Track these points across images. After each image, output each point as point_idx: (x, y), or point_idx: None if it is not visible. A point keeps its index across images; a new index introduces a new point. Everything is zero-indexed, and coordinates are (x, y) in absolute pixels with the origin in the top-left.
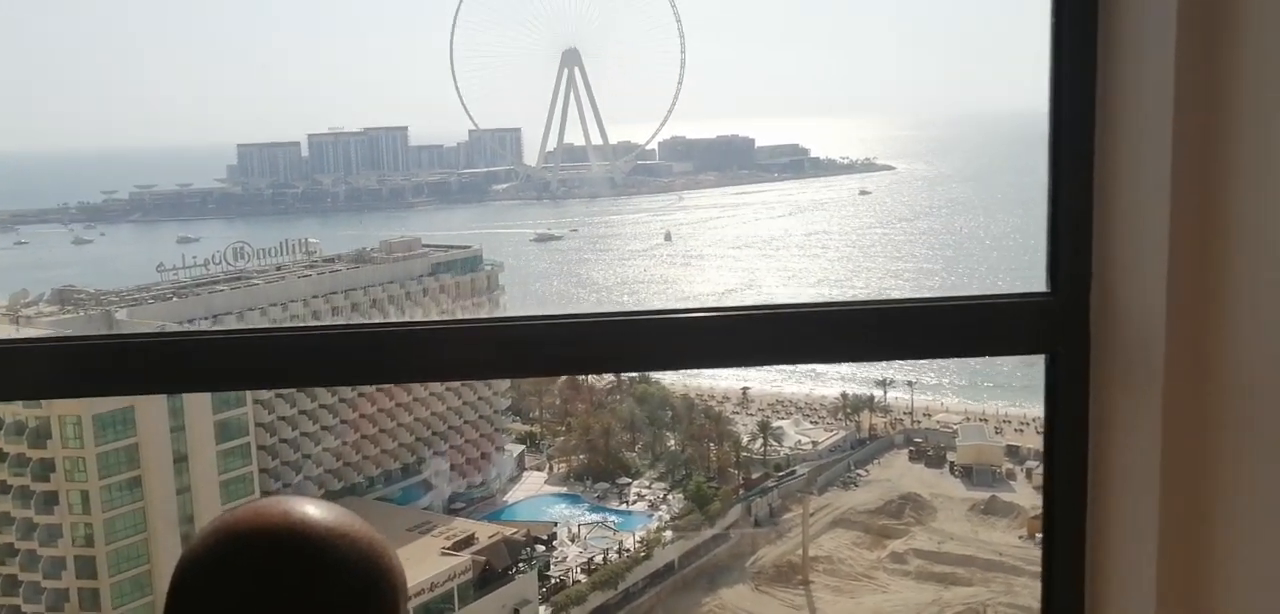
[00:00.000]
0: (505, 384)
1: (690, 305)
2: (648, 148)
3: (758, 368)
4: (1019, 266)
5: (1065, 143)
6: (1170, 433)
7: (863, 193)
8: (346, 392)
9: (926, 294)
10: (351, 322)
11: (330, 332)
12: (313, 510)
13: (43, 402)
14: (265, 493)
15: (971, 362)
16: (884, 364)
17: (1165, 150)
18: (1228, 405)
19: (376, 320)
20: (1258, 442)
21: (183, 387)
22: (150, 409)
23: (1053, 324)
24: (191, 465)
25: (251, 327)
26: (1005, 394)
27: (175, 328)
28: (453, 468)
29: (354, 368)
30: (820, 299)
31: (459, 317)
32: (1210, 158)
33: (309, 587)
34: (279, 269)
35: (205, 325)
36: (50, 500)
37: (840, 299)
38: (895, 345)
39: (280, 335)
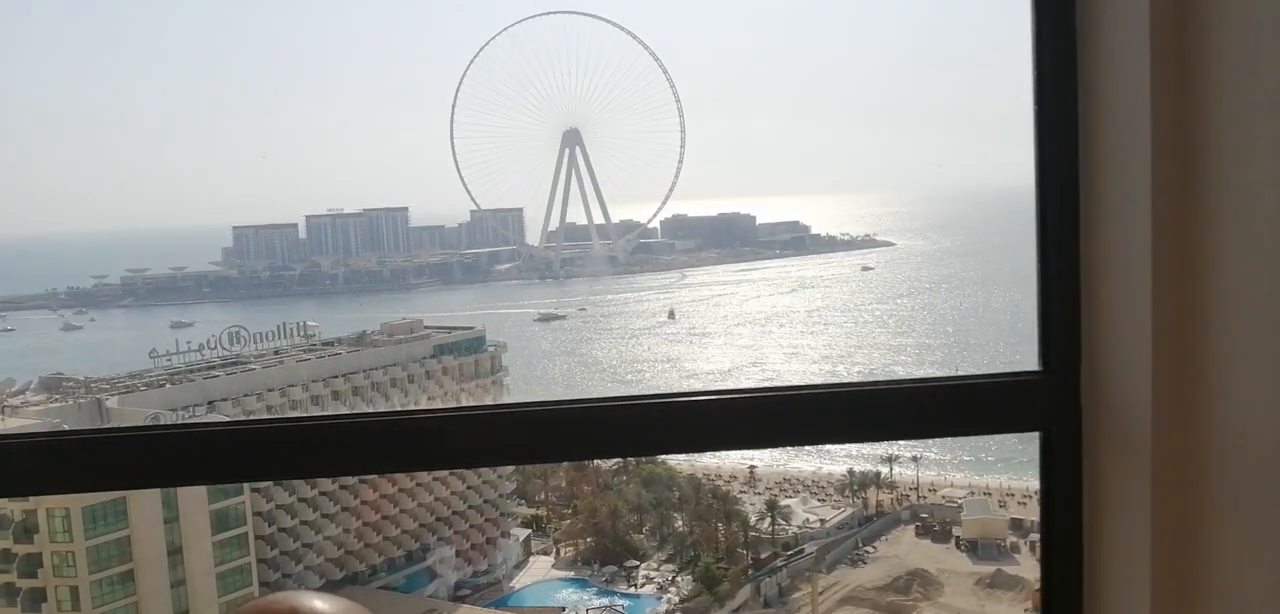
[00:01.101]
0: (510, 467)
1: (694, 389)
2: (650, 226)
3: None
4: (1018, 341)
5: (1052, 230)
6: (1159, 505)
7: (865, 269)
8: (348, 478)
9: (927, 370)
10: (352, 411)
11: (328, 422)
12: (320, 605)
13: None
14: (264, 584)
15: (976, 437)
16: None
17: (1146, 235)
18: (1214, 477)
19: (378, 409)
20: (1244, 513)
21: (179, 481)
22: (142, 500)
23: (1045, 403)
24: (186, 558)
25: (250, 418)
26: (1009, 468)
27: (170, 421)
28: (457, 554)
29: (357, 458)
30: (819, 381)
31: (464, 403)
32: (1189, 240)
33: None
34: (277, 353)
35: (200, 412)
36: (37, 598)
37: (839, 382)
38: (893, 426)
39: (279, 426)
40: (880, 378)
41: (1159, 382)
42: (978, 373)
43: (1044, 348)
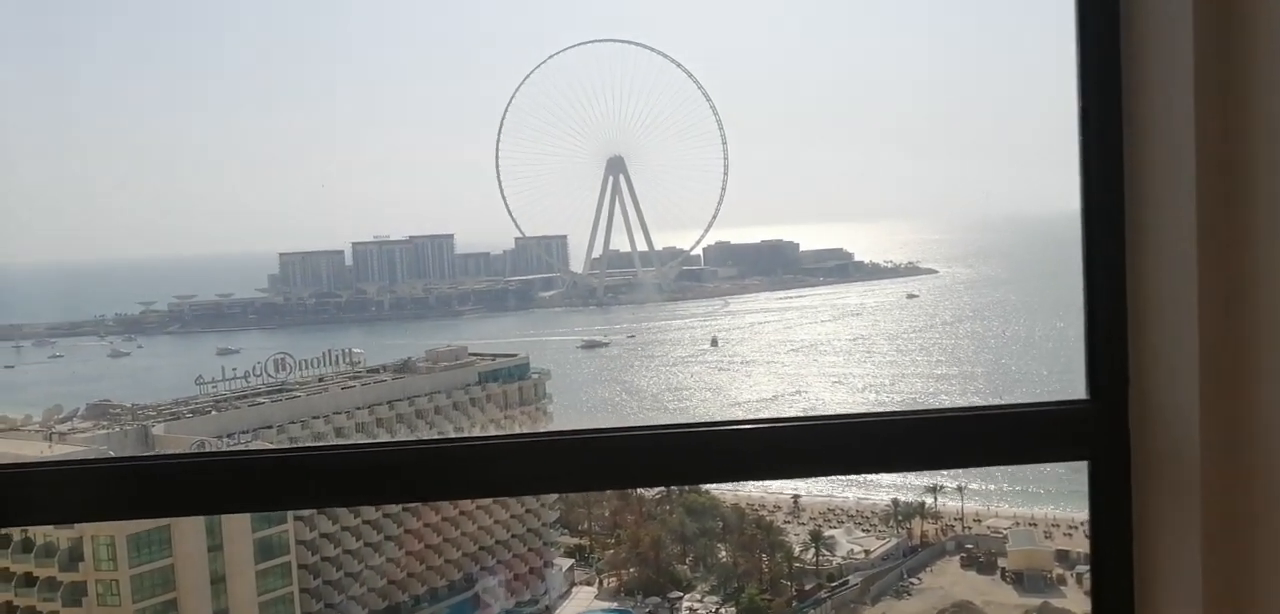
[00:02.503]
0: (553, 496)
1: (738, 418)
2: (693, 254)
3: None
4: (1063, 369)
5: (1098, 256)
6: (1210, 532)
7: (910, 296)
8: (391, 507)
9: (971, 399)
10: (396, 439)
11: (374, 450)
12: None
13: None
14: None
15: (1021, 466)
16: (933, 471)
17: (1192, 260)
18: (1265, 503)
19: (422, 437)
20: None
21: (225, 508)
22: (187, 528)
23: (1092, 430)
24: (230, 587)
25: (296, 446)
26: (1054, 498)
27: (217, 448)
28: (501, 584)
29: (403, 484)
30: (864, 410)
31: (507, 431)
32: (1235, 265)
33: None
34: (321, 380)
35: (245, 439)
36: None
37: (883, 410)
38: (938, 455)
39: (324, 454)
40: (926, 407)
41: (1207, 407)
42: (1024, 401)
43: (1091, 375)
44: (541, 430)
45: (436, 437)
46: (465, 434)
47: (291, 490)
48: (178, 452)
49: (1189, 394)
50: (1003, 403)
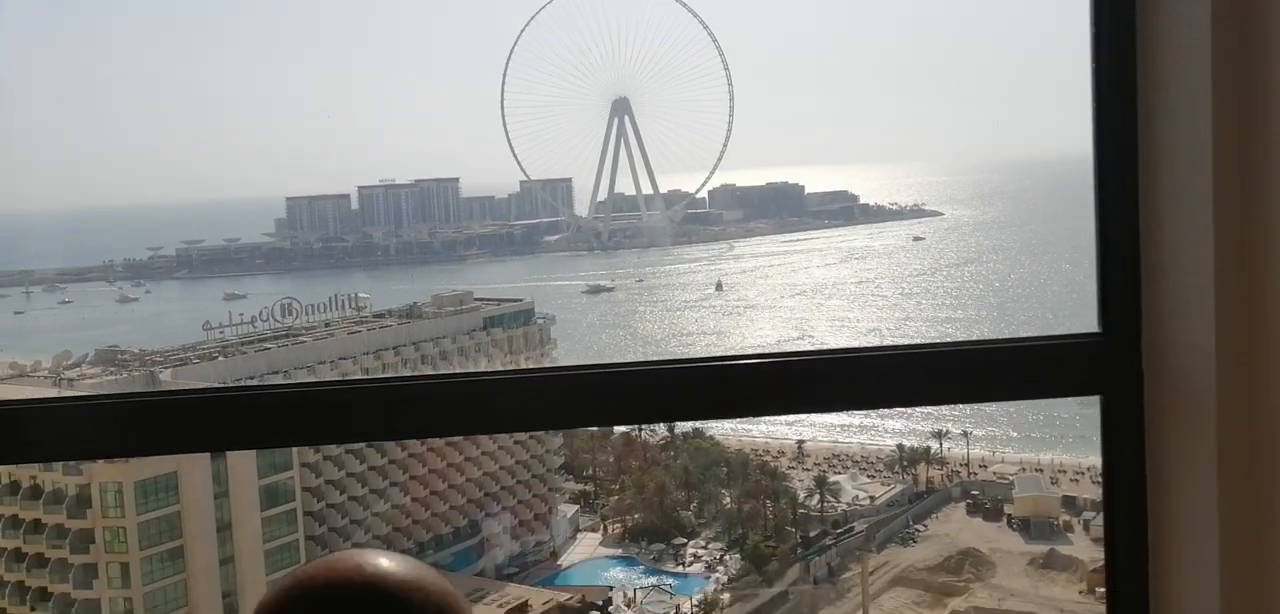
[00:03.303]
0: (558, 441)
1: (742, 352)
2: (698, 196)
3: (811, 415)
4: (1069, 312)
5: (1110, 188)
6: (1226, 468)
7: (917, 239)
8: (396, 453)
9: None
10: (398, 375)
11: (376, 385)
12: (386, 563)
13: (83, 468)
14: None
15: (1027, 411)
16: (938, 416)
17: (1207, 189)
18: None
19: (425, 373)
20: None
21: (232, 444)
22: (193, 475)
23: (1105, 365)
24: (235, 533)
25: (302, 383)
26: (1061, 444)
27: (225, 384)
28: (505, 531)
29: (405, 421)
30: (872, 344)
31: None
32: (1253, 194)
33: None
34: (328, 325)
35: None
36: (89, 574)
37: (890, 344)
38: (948, 390)
39: (327, 389)
40: (937, 340)
41: (1223, 341)
42: (1036, 336)
43: (1103, 309)
44: (545, 366)
45: (439, 372)
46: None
47: (296, 426)
48: (184, 387)
49: (1204, 328)
50: (1014, 337)
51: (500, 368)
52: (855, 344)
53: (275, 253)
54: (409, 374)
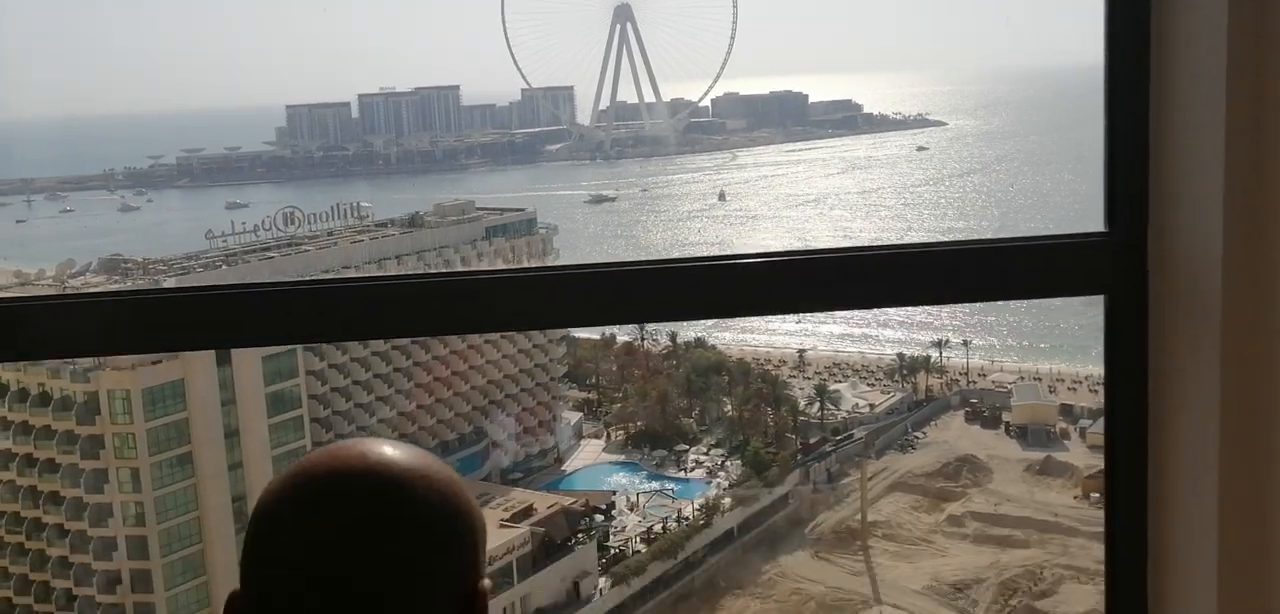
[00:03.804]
0: (562, 351)
1: (746, 253)
2: (701, 105)
3: (813, 325)
4: (1072, 223)
5: (1120, 82)
6: (1229, 368)
7: (920, 148)
8: (400, 360)
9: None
10: (401, 273)
11: (380, 283)
12: (391, 451)
13: (91, 375)
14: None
15: (1026, 320)
16: (938, 325)
17: (1220, 87)
18: None
19: (428, 271)
20: None
21: (235, 341)
22: (200, 381)
23: (1110, 264)
24: (243, 440)
25: (304, 280)
26: (1060, 353)
27: (229, 282)
28: (510, 437)
29: (408, 320)
30: (875, 242)
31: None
32: (1266, 93)
33: (389, 527)
34: (330, 234)
35: None
36: (100, 479)
37: (893, 242)
38: (953, 289)
39: (330, 286)
40: (942, 239)
41: (1231, 241)
42: (1040, 234)
43: (1109, 207)
44: (546, 264)
45: (441, 271)
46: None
47: (298, 323)
48: (185, 285)
49: (1211, 228)
50: (1020, 236)
51: (501, 267)
52: None
53: (276, 161)
54: (408, 272)
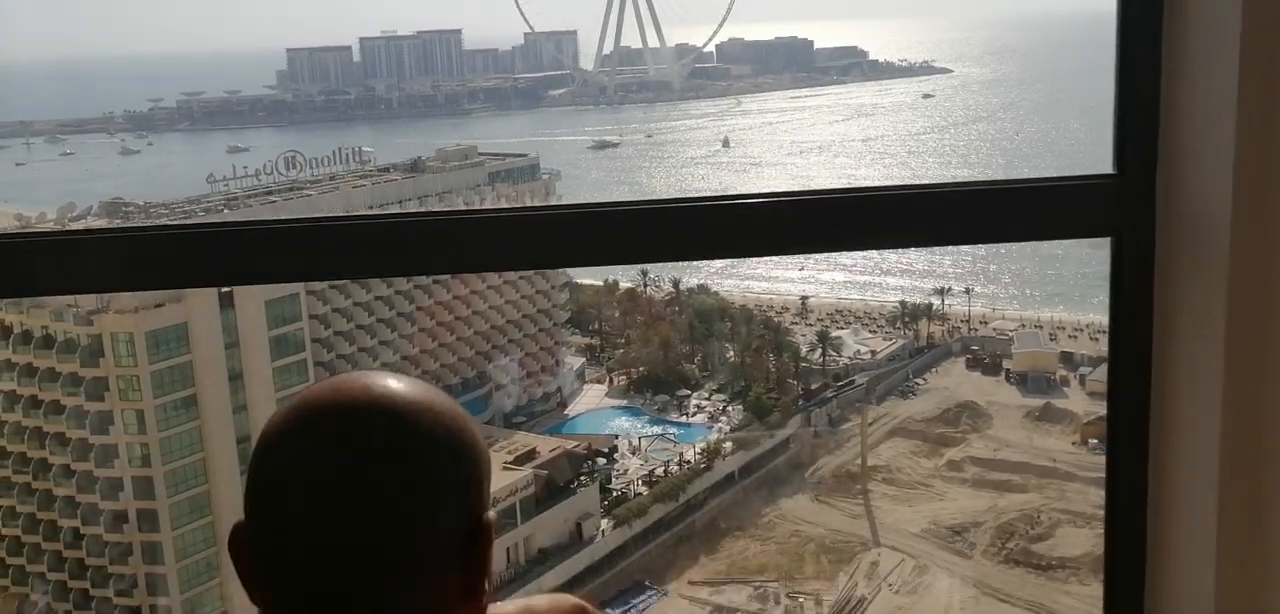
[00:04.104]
0: (565, 297)
1: (751, 193)
2: (706, 50)
3: (816, 272)
4: (1079, 170)
5: (1133, 24)
6: (1234, 314)
7: (926, 96)
8: (402, 305)
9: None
10: (403, 212)
11: (382, 221)
12: (394, 384)
13: (94, 318)
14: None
15: (1028, 268)
16: (941, 273)
17: (1234, 31)
18: None
19: (429, 210)
20: None
21: (238, 279)
22: (203, 325)
23: (1118, 206)
24: (247, 383)
25: (307, 217)
26: (1062, 302)
27: (232, 218)
28: (512, 382)
29: (410, 258)
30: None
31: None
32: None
33: (393, 460)
34: (332, 179)
35: None
36: (105, 420)
37: (899, 183)
38: (960, 230)
39: (333, 224)
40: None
41: (1240, 186)
42: (1049, 176)
43: (1119, 149)
44: (548, 204)
45: (443, 210)
46: (473, 207)
47: (301, 260)
48: (186, 221)
49: (1221, 172)
50: (1027, 178)
51: (504, 206)
52: None
53: (277, 105)
54: (409, 211)
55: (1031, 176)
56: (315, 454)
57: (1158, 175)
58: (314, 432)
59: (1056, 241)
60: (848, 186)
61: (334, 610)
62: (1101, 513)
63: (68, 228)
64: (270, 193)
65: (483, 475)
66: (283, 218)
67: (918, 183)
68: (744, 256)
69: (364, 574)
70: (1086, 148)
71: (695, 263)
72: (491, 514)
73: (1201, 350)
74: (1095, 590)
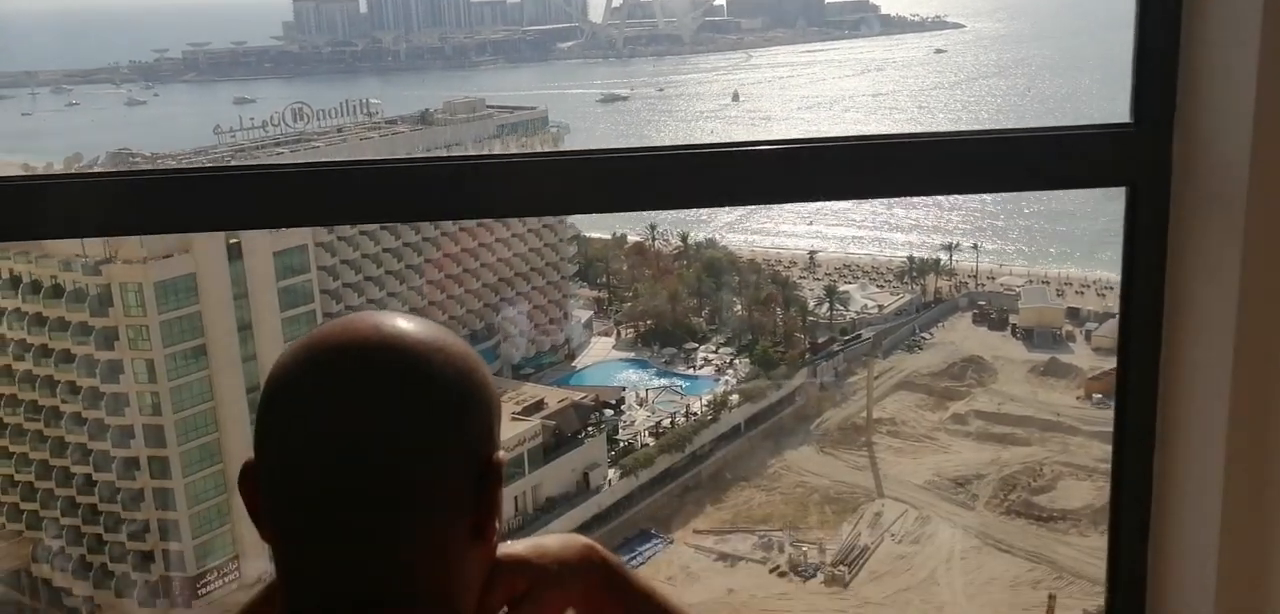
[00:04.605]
0: (573, 250)
1: (758, 140)
2: (716, 3)
3: (825, 217)
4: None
5: None
6: (1249, 267)
7: (938, 51)
8: (412, 257)
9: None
10: (412, 157)
11: (391, 167)
12: (404, 323)
13: (103, 268)
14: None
15: (1036, 224)
16: (949, 229)
17: None
18: None
19: (439, 154)
20: None
21: (246, 223)
22: (212, 275)
23: (1134, 156)
24: (256, 333)
25: (316, 162)
26: (1070, 259)
27: (242, 164)
28: (520, 334)
29: (420, 203)
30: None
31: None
32: None
33: (403, 399)
34: (339, 130)
35: None
36: (115, 369)
37: (913, 131)
38: (974, 178)
39: (342, 169)
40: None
41: (1260, 137)
42: (1064, 124)
43: (1137, 98)
44: (558, 150)
45: (450, 153)
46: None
47: (310, 206)
48: (195, 165)
49: (1241, 123)
50: (1043, 126)
51: (515, 152)
52: None
53: (284, 56)
54: (418, 155)
55: (1051, 124)
56: (325, 393)
57: (1176, 126)
58: (325, 370)
59: (1065, 198)
60: (862, 134)
61: (343, 549)
62: (1103, 466)
63: (71, 171)
64: (278, 144)
65: (493, 416)
66: (291, 163)
67: (932, 130)
68: (759, 204)
69: (373, 513)
70: (1099, 104)
71: (704, 218)
72: (502, 454)
73: (1215, 300)
74: (1094, 542)
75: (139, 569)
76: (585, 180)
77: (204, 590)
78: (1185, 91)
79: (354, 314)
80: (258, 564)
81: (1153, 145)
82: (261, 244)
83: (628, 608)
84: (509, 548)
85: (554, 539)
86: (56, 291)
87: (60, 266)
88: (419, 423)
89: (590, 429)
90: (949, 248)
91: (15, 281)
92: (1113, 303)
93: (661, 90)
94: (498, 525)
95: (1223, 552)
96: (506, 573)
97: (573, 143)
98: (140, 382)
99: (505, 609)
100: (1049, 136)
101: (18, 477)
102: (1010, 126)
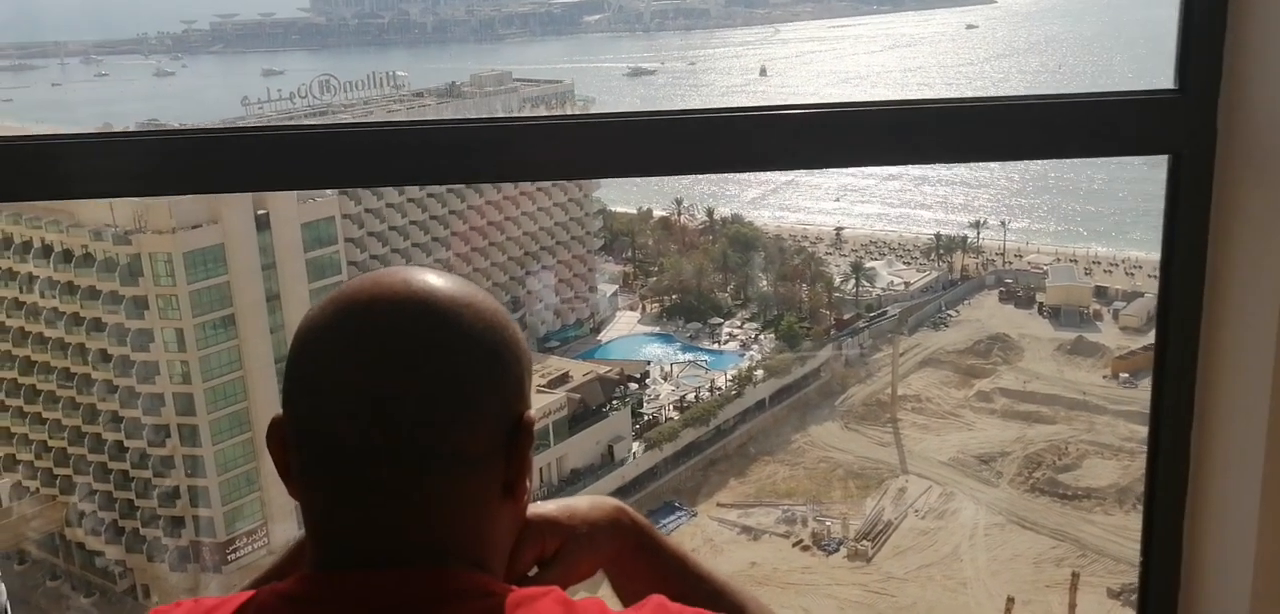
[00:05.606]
0: (599, 224)
1: (790, 103)
2: None
3: (851, 194)
4: None
5: None
6: None
7: (970, 27)
8: (439, 230)
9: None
10: (439, 118)
11: (418, 127)
12: (434, 279)
13: (132, 237)
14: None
15: (1064, 202)
16: (976, 207)
17: None
18: None
19: (463, 117)
20: None
21: (273, 184)
22: (240, 246)
23: (1179, 123)
24: (284, 303)
25: (343, 123)
26: (1099, 238)
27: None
28: (546, 307)
29: (444, 165)
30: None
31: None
32: None
33: (434, 352)
34: (366, 103)
35: None
36: (146, 338)
37: (950, 96)
38: (1013, 145)
39: (369, 131)
40: (1007, 94)
41: None
42: (1108, 90)
43: (1181, 65)
44: (576, 113)
45: (478, 117)
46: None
47: (336, 167)
48: (221, 126)
49: None
50: (1084, 93)
51: (540, 114)
52: None
53: (310, 28)
54: (445, 117)
55: (1094, 91)
56: (355, 348)
57: (1221, 93)
58: (354, 325)
59: (1094, 176)
60: (896, 99)
61: (373, 506)
62: (1129, 446)
63: (101, 130)
64: (304, 117)
65: (523, 373)
66: (316, 123)
67: (971, 95)
68: (790, 169)
69: (404, 470)
70: (1132, 82)
71: (731, 192)
72: (532, 412)
73: (1259, 273)
74: (1119, 520)
75: (170, 534)
76: (618, 143)
77: (233, 556)
78: (1232, 57)
79: (384, 269)
80: (287, 528)
81: (1198, 113)
82: (289, 214)
83: (658, 571)
84: (539, 508)
85: (584, 500)
86: (87, 260)
87: (91, 236)
88: (450, 379)
89: (615, 402)
90: (976, 225)
91: (47, 250)
92: (1142, 282)
93: (693, 65)
94: (528, 484)
95: (1262, 528)
96: (537, 532)
97: None
98: (170, 350)
99: (535, 569)
100: (1090, 103)
101: (51, 442)
102: (1056, 93)
